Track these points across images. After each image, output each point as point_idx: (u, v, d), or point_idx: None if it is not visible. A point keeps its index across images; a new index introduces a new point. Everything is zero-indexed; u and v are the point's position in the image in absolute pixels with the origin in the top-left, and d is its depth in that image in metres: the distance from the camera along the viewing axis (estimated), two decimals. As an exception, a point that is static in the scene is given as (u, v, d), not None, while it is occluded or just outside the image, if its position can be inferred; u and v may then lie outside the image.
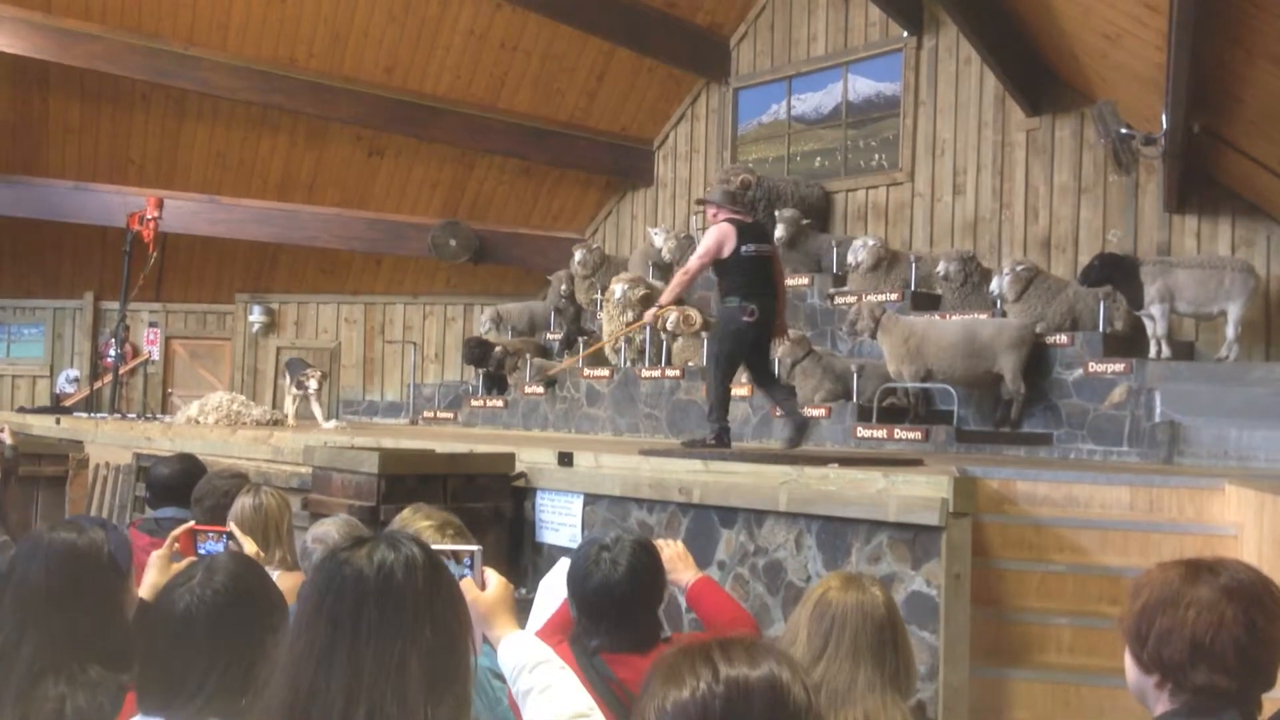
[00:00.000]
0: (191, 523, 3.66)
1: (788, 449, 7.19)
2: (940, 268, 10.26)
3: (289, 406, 11.58)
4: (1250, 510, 5.30)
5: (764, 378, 7.59)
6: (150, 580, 3.29)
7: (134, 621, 2.83)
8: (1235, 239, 9.85)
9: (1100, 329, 9.21)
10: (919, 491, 5.11)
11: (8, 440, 7.81)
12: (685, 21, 13.43)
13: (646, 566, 2.93)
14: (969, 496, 5.13)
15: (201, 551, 3.46)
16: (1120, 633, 2.09)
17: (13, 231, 14.01)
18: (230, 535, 3.48)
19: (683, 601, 3.49)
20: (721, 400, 7.30)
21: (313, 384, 11.40)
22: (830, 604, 2.57)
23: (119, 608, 2.67)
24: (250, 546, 3.46)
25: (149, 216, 11.33)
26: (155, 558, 3.34)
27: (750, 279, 7.08)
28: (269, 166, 13.94)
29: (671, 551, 3.31)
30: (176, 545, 3.37)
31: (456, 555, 2.35)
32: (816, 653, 2.54)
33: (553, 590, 3.71)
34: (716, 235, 7.10)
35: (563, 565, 3.35)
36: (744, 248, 7.05)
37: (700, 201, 7.79)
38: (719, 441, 7.18)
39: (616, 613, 2.85)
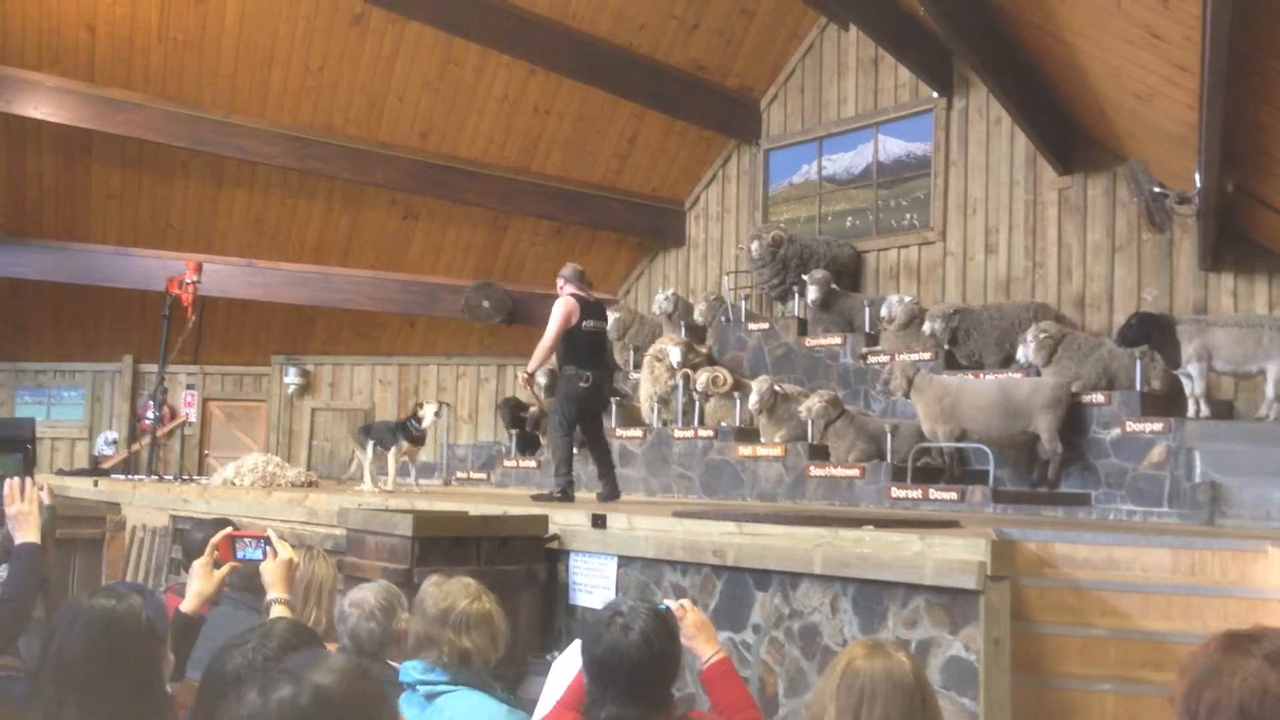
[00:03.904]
0: (230, 529, 3.65)
1: (601, 501, 8.17)
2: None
3: (388, 467, 10.05)
4: (1295, 573, 5.19)
5: (594, 441, 8.49)
6: (195, 589, 3.31)
7: (173, 632, 2.87)
8: (1272, 297, 9.76)
9: (1137, 388, 9.12)
10: (956, 554, 5.05)
11: (45, 500, 7.84)
12: (715, 84, 13.58)
13: (660, 635, 2.87)
14: (1007, 559, 5.06)
15: (240, 556, 3.46)
16: (1175, 714, 2.09)
17: (54, 296, 14.23)
18: (268, 540, 3.44)
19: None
20: (566, 458, 8.24)
21: (429, 411, 9.89)
22: (858, 673, 2.47)
23: (156, 673, 2.68)
24: (287, 551, 3.41)
25: (188, 280, 11.49)
26: (197, 566, 3.36)
27: (586, 351, 8.09)
28: (305, 230, 14.12)
29: (693, 618, 3.25)
30: (216, 552, 3.38)
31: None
32: None
33: (566, 670, 3.66)
34: (565, 308, 8.03)
35: (576, 646, 3.28)
36: (584, 323, 8.04)
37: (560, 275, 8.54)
38: (564, 495, 8.07)
39: (626, 679, 2.79)
